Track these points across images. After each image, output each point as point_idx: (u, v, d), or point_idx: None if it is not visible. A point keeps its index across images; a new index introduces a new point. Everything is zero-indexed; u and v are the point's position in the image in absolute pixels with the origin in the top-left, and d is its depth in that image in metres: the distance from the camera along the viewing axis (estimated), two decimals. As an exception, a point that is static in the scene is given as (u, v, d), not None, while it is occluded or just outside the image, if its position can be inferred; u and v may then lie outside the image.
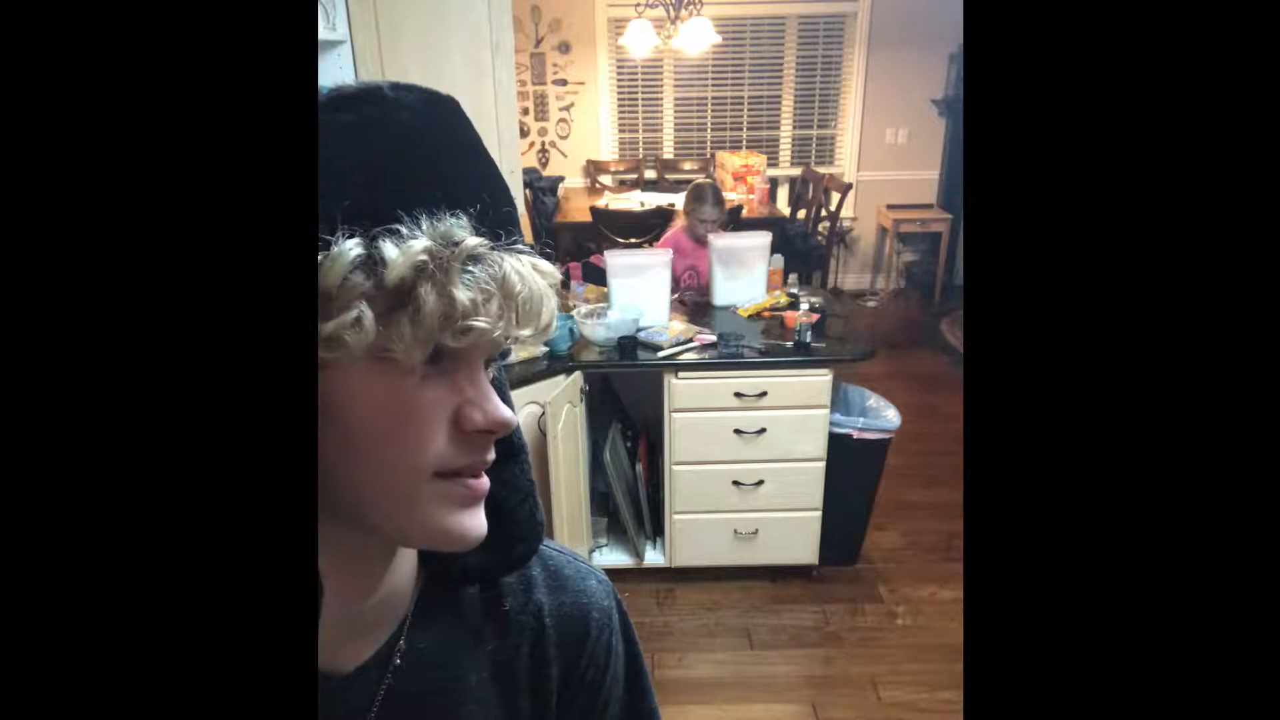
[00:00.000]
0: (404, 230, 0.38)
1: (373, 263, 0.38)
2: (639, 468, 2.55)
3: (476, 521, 0.44)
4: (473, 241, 0.40)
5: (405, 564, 0.50)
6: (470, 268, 0.39)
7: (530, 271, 0.42)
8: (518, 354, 2.24)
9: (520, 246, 0.43)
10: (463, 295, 0.39)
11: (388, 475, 0.41)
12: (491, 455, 0.45)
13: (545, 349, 2.33)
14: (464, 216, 0.40)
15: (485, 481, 0.45)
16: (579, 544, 2.46)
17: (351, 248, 0.37)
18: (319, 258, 0.37)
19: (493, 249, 0.41)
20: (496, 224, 0.42)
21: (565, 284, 3.20)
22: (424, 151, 0.41)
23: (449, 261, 0.39)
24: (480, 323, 0.39)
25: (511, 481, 0.53)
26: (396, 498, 0.42)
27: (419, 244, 0.38)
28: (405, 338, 0.38)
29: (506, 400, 0.48)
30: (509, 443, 0.52)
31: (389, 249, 0.38)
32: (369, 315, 0.37)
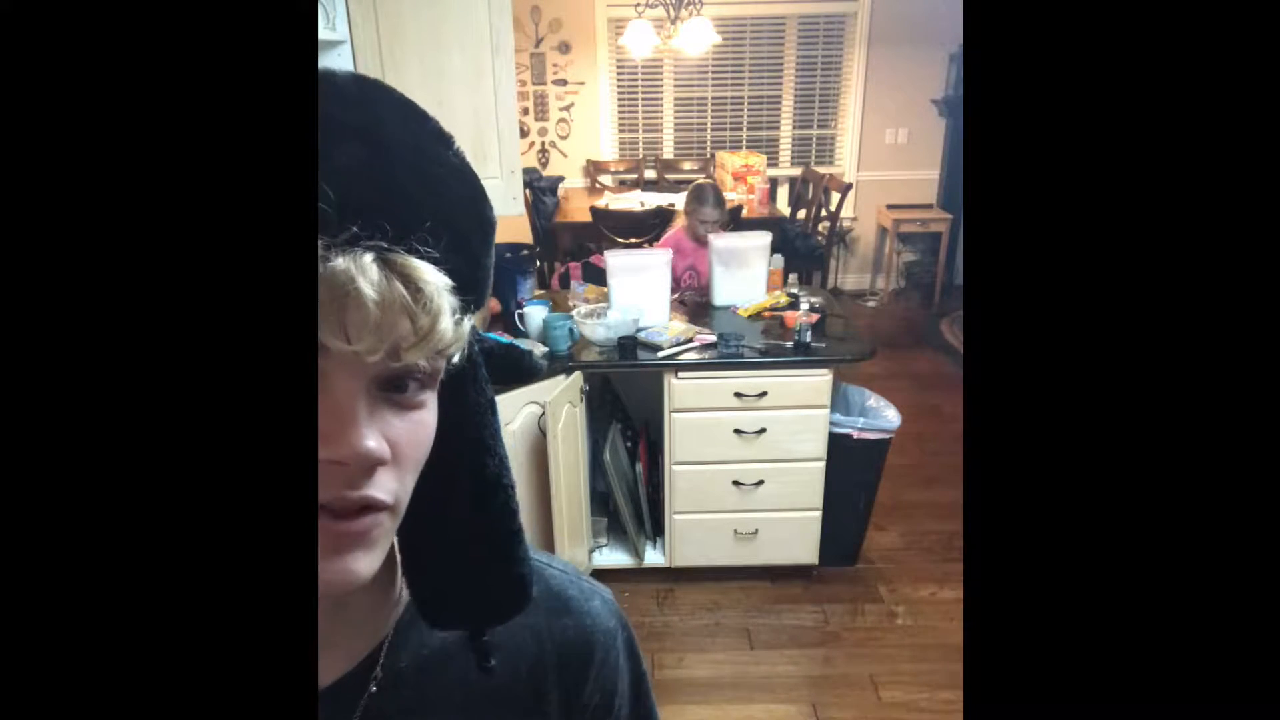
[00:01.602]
0: None
1: None
2: (639, 468, 2.55)
3: (338, 567, 0.38)
4: None
5: (369, 589, 0.46)
6: None
7: (363, 279, 0.34)
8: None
9: (377, 245, 0.35)
10: None
11: None
12: (363, 491, 0.38)
13: (545, 349, 2.33)
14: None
15: (357, 524, 0.38)
16: (579, 544, 2.46)
17: None
18: None
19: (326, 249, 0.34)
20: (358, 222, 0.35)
21: (565, 284, 3.20)
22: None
23: None
24: None
25: (483, 533, 0.48)
26: None
27: None
28: None
29: (461, 420, 0.44)
30: (480, 483, 0.47)
31: None
32: None
